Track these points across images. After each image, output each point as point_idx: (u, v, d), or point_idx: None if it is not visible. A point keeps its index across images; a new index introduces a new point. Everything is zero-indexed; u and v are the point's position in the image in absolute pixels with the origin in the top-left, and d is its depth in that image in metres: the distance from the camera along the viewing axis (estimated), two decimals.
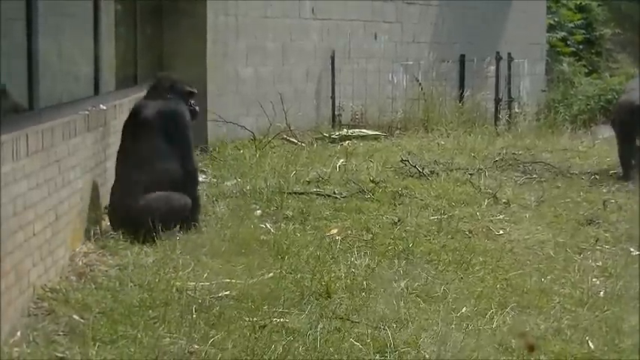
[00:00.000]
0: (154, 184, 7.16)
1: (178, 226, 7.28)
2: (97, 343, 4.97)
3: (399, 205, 8.62)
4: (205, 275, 6.19)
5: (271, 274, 6.31)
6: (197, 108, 7.79)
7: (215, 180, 9.44)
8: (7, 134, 5.17)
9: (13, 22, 5.95)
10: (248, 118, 12.19)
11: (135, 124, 7.40)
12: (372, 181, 9.30)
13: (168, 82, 7.67)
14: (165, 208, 7.11)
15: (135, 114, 7.47)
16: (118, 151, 7.42)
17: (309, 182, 9.34)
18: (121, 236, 6.94)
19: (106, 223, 7.30)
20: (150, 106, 7.44)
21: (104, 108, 7.50)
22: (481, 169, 10.10)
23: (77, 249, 6.61)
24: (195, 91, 7.83)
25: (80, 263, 6.40)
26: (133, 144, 7.33)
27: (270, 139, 11.63)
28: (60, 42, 7.15)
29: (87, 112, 7.13)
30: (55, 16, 6.87)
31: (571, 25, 24.42)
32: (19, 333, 5.01)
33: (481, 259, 6.99)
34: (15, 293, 5.13)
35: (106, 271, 6.30)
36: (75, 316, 5.32)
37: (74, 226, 6.55)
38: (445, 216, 8.21)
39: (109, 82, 8.51)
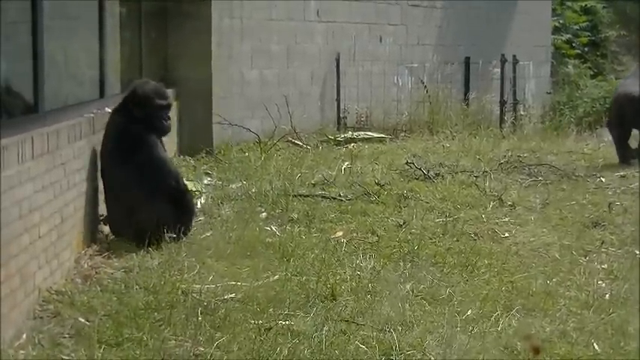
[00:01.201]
0: (141, 199, 7.03)
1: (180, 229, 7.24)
2: (103, 346, 4.98)
3: (404, 207, 8.61)
4: (210, 278, 6.19)
5: (277, 277, 6.31)
6: (169, 122, 7.35)
7: (220, 182, 9.44)
8: (12, 137, 5.18)
9: (19, 25, 5.97)
10: (253, 120, 12.19)
11: (107, 142, 7.12)
12: (377, 184, 9.30)
13: (140, 95, 7.24)
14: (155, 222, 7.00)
15: (106, 132, 7.15)
16: (101, 167, 7.11)
17: (314, 185, 9.35)
18: (126, 239, 6.94)
19: (106, 228, 7.28)
20: (117, 126, 7.12)
21: (109, 111, 7.49)
22: (486, 172, 10.09)
23: (82, 251, 6.61)
24: (167, 104, 7.37)
25: (85, 266, 6.41)
26: (111, 162, 7.07)
27: (275, 141, 11.63)
28: (65, 45, 7.16)
29: (92, 115, 7.14)
30: (60, 19, 6.88)
31: (576, 27, 24.41)
32: (24, 335, 5.02)
33: (486, 262, 6.98)
34: (20, 296, 5.13)
35: (112, 273, 6.31)
36: (80, 319, 5.33)
37: (79, 229, 6.55)
38: (450, 218, 8.21)
39: (114, 84, 8.52)
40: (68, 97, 7.13)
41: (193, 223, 7.46)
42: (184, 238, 7.15)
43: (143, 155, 7.08)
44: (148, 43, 10.27)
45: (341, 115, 14.02)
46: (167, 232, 6.99)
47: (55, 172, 5.87)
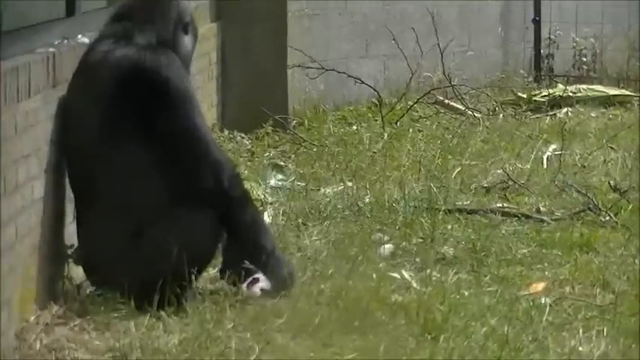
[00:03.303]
0: (153, 212, 7.16)
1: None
2: None
3: None
4: None
5: None
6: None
7: (302, 183, 9.48)
8: None
9: None
10: (366, 60, 12.23)
11: (86, 100, 7.21)
12: (614, 189, 9.30)
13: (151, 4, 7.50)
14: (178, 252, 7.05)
15: (82, 79, 7.28)
16: (70, 154, 7.23)
17: (487, 190, 9.48)
18: (117, 292, 6.98)
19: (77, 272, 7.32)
20: (110, 64, 7.20)
21: (87, 41, 7.58)
22: None
23: (32, 318, 6.67)
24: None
25: (37, 345, 6.45)
26: (92, 140, 7.14)
27: (410, 103, 11.65)
28: None
29: (53, 50, 7.22)
30: None
31: None
32: None
33: None
34: None
35: None
36: None
37: (22, 275, 6.60)
38: None
39: None
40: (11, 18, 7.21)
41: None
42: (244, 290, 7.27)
43: (171, 118, 7.18)
44: None
45: (542, 53, 14.00)
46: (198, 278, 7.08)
47: None
